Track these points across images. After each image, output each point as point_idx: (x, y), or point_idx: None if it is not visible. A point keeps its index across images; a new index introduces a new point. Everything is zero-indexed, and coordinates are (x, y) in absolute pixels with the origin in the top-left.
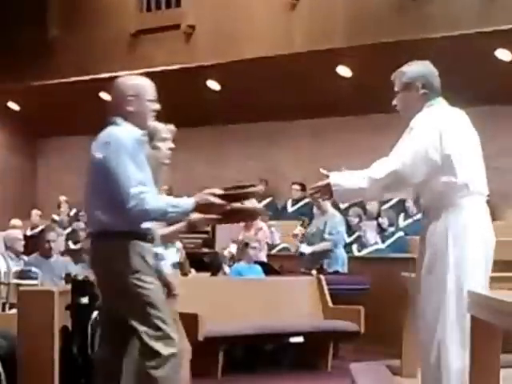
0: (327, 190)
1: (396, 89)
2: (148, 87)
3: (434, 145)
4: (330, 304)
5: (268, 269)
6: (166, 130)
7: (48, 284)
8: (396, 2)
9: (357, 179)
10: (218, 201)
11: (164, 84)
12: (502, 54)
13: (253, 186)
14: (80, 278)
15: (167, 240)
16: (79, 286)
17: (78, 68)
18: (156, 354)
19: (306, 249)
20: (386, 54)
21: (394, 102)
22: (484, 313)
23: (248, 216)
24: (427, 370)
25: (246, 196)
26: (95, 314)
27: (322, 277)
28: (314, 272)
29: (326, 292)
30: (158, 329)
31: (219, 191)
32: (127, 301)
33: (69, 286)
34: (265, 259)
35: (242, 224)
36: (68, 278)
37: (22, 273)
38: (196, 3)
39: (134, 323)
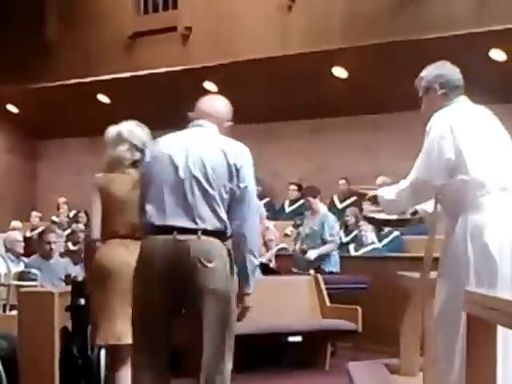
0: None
1: (420, 94)
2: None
3: (446, 142)
4: (328, 303)
5: (265, 269)
6: None
7: (48, 285)
8: (391, 3)
9: (390, 191)
10: None
11: (161, 86)
12: (495, 54)
13: None
14: (80, 279)
15: None
16: (79, 287)
17: (76, 70)
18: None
19: (312, 254)
20: (381, 54)
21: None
22: (480, 310)
23: None
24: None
25: None
26: None
27: (319, 276)
28: (311, 271)
29: (324, 291)
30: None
31: None
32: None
33: (69, 287)
34: (273, 259)
35: None
36: (68, 279)
37: (22, 274)
38: (193, 5)
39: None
